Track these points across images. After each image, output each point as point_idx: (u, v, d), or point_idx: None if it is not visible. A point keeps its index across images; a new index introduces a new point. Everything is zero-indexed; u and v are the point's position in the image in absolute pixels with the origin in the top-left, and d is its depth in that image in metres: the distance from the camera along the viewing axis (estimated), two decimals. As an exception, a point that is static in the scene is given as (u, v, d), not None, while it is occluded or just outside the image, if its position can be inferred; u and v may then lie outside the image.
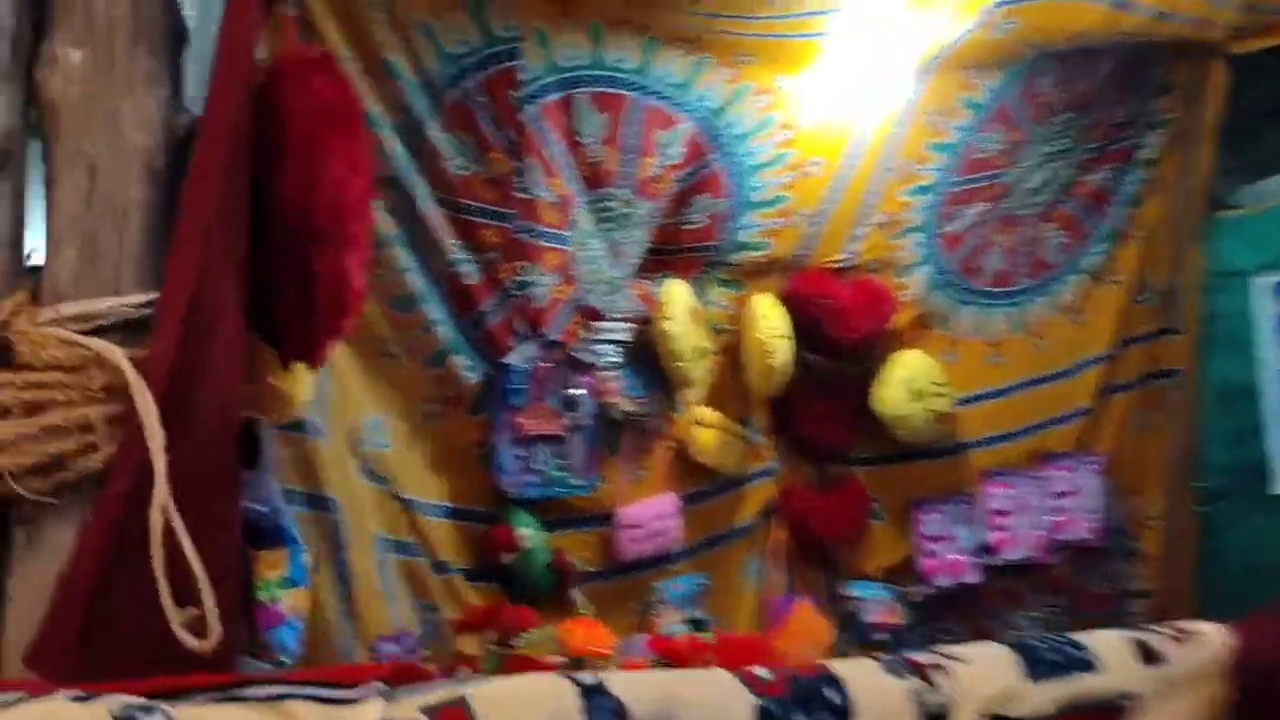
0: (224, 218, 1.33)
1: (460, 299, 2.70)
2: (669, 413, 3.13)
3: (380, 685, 1.01)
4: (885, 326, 3.38)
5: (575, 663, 1.75)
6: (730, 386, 3.24)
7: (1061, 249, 3.72)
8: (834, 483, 3.50)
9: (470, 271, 2.70)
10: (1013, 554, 3.61)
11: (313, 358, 1.64)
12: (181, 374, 1.21)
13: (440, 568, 2.59)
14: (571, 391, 2.87)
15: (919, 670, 1.43)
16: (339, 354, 2.46)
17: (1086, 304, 3.75)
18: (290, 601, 1.34)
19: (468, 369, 2.71)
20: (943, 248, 3.54)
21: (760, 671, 1.29)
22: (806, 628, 3.27)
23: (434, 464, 2.69)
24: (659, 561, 3.06)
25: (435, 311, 2.65)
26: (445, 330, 2.67)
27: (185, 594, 1.12)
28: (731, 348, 3.27)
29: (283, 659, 1.32)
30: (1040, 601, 3.71)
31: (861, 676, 1.42)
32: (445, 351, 2.67)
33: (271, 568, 1.32)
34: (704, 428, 3.11)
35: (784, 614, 3.28)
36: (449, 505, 2.70)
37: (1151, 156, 3.76)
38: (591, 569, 2.93)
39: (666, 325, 2.97)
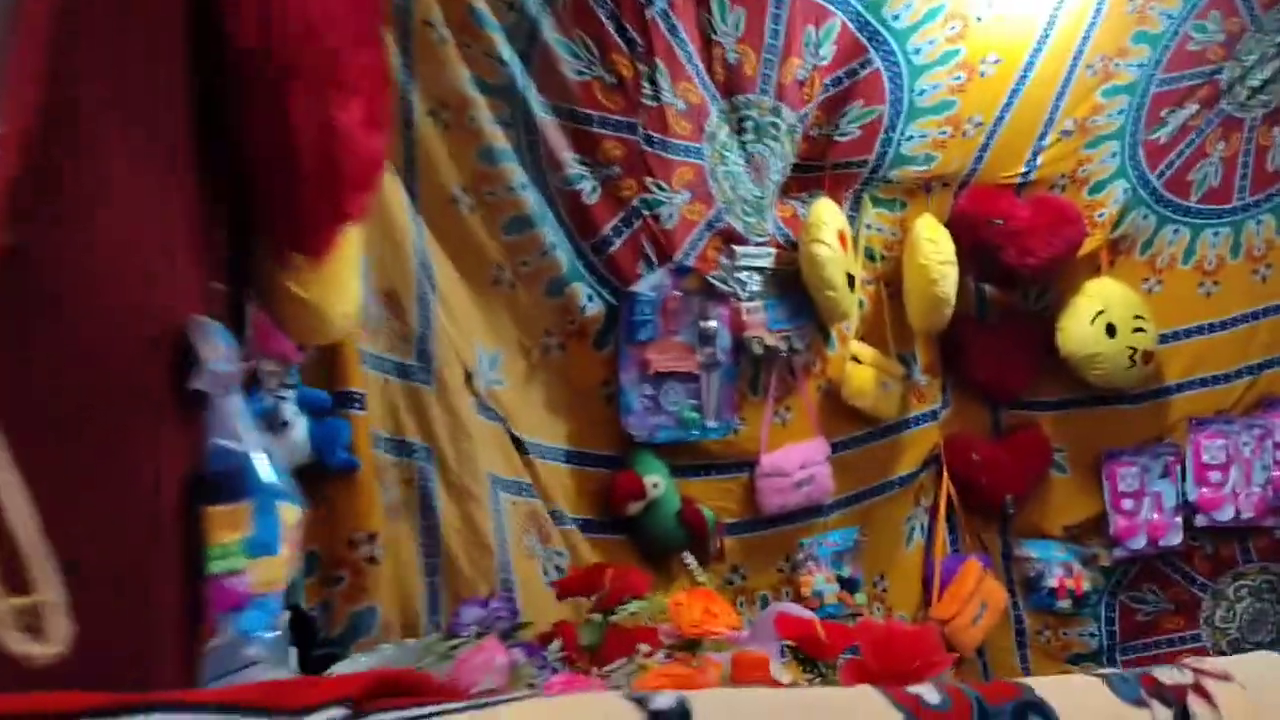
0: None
1: (580, 220, 2.43)
2: (818, 348, 2.80)
3: (339, 712, 0.68)
4: (1073, 252, 2.92)
5: (685, 644, 1.47)
6: (889, 320, 2.88)
7: (1291, 158, 3.15)
8: (1010, 429, 3.09)
9: (591, 189, 2.42)
10: (1223, 515, 3.11)
11: (309, 245, 1.28)
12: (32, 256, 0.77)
13: (558, 517, 2.36)
14: (707, 324, 2.56)
15: (1166, 695, 0.91)
16: (446, 281, 2.25)
17: (1322, 222, 3.17)
18: (261, 574, 1.06)
19: (589, 299, 2.44)
20: (1145, 158, 3.04)
21: (926, 694, 0.84)
22: (976, 591, 2.92)
23: (553, 403, 2.44)
24: (807, 514, 2.75)
25: (553, 235, 2.39)
26: (564, 255, 2.41)
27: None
28: (891, 276, 2.90)
29: (251, 652, 1.05)
30: (1257, 569, 3.20)
31: (1079, 702, 0.92)
32: (564, 279, 2.41)
33: (227, 528, 1.04)
34: (859, 365, 2.76)
35: (950, 575, 2.93)
36: (569, 449, 2.45)
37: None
38: (729, 521, 2.64)
39: (816, 250, 2.62)
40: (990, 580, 2.97)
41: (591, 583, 1.74)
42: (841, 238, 2.68)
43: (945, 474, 3.00)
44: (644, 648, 1.44)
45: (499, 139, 2.31)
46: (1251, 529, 3.18)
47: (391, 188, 2.06)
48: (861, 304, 2.85)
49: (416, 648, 1.60)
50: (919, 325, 2.82)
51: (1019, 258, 2.83)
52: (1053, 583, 3.07)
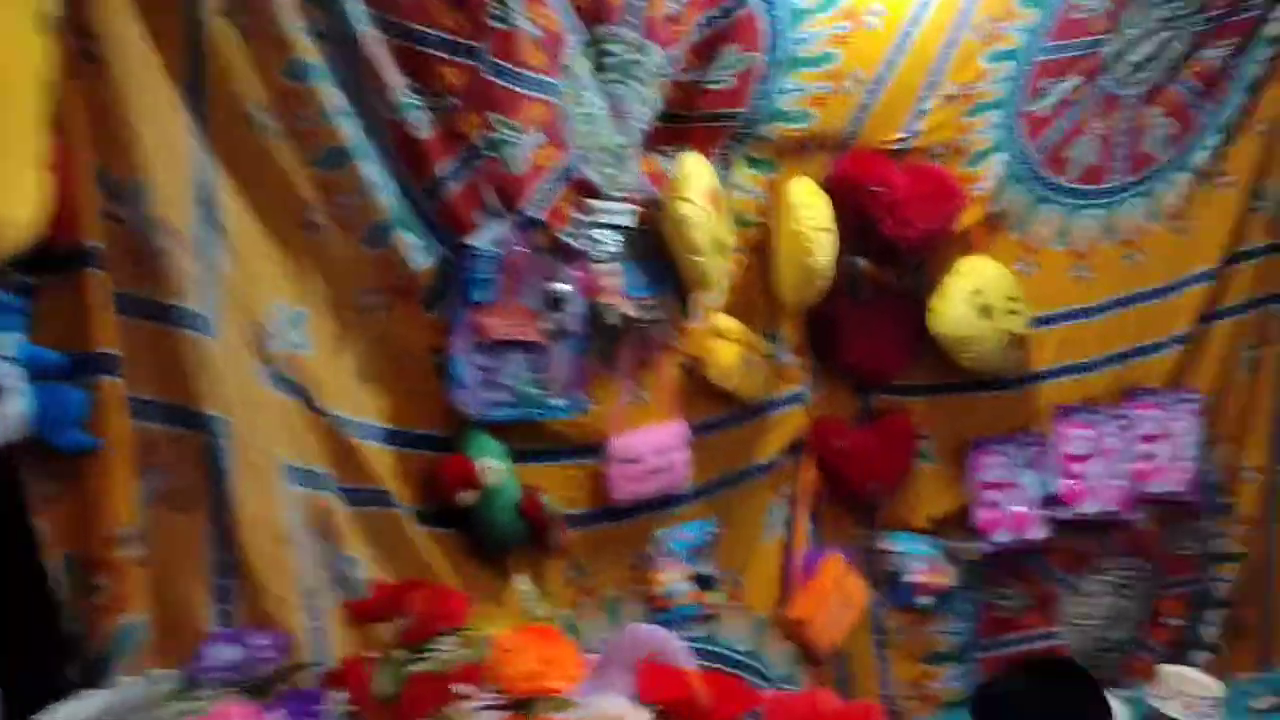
0: None
1: (410, 157, 2.05)
2: (680, 320, 2.51)
3: None
4: (950, 226, 2.73)
5: (515, 703, 1.13)
6: (757, 292, 2.62)
7: (1167, 141, 3.06)
8: (878, 415, 2.89)
9: (423, 121, 2.05)
10: (1088, 507, 3.01)
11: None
12: None
13: (383, 500, 1.99)
14: (555, 286, 2.23)
15: None
16: (238, 220, 1.85)
17: (1192, 209, 3.10)
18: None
19: (418, 250, 2.07)
20: (1025, 131, 2.88)
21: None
22: (837, 587, 2.71)
23: (370, 373, 2.06)
24: (661, 504, 2.46)
25: (375, 172, 2.01)
26: (388, 198, 2.03)
27: None
28: (761, 244, 2.63)
29: None
30: (1116, 564, 3.11)
31: None
32: (388, 226, 2.04)
33: None
34: (723, 341, 2.48)
35: (811, 570, 2.71)
36: (388, 427, 2.08)
37: (1277, 33, 3.07)
38: (575, 512, 2.33)
39: (682, 209, 2.33)
40: (852, 576, 2.76)
41: (393, 606, 1.37)
42: (711, 198, 2.39)
43: (809, 462, 2.77)
44: (464, 703, 1.10)
45: (311, 53, 1.91)
46: (1113, 523, 3.08)
47: (162, 93, 1.65)
48: (729, 274, 2.58)
49: (139, 697, 1.21)
50: (790, 298, 2.56)
51: (897, 229, 2.62)
52: (915, 578, 2.89)
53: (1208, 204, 3.10)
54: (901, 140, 2.72)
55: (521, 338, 2.18)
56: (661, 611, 2.44)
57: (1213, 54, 3.03)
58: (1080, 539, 3.07)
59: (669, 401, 2.45)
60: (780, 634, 2.68)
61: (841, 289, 2.81)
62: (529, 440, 2.25)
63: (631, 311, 2.30)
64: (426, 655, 1.23)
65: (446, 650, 1.23)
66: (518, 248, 2.16)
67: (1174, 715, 2.63)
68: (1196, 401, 3.12)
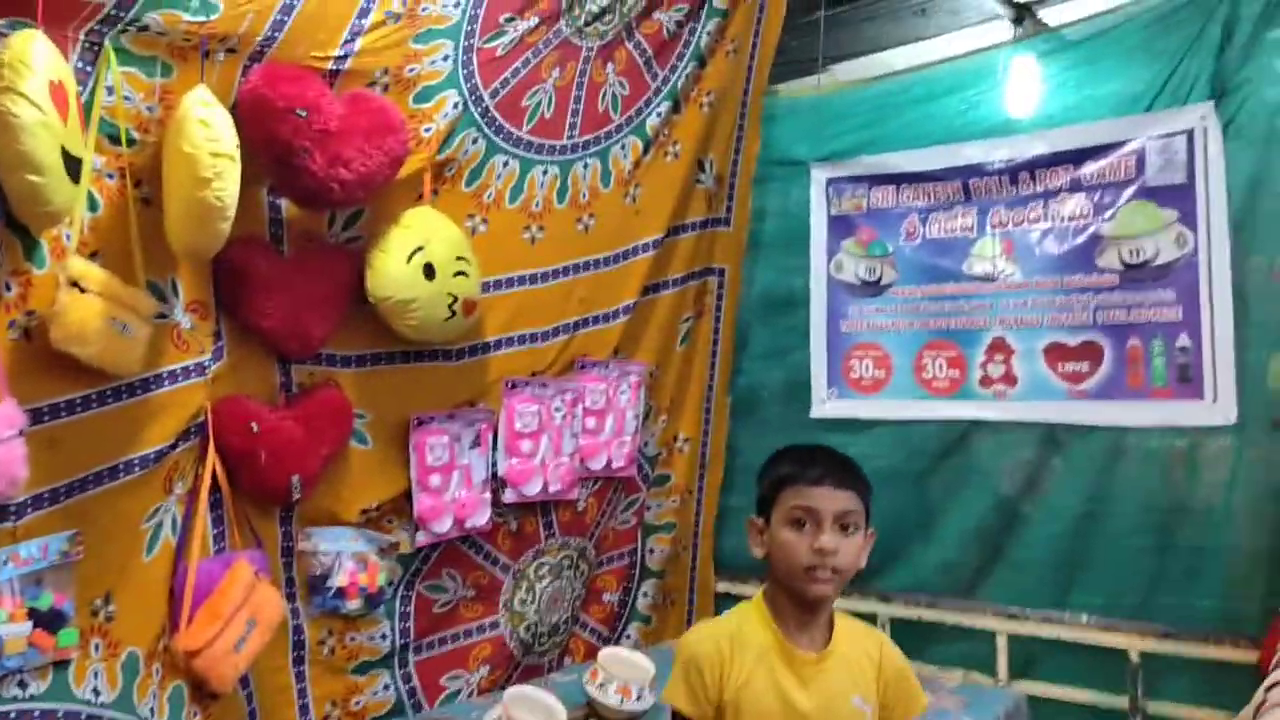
0: None
1: None
2: (16, 263, 1.81)
3: None
4: (394, 169, 2.31)
5: None
6: (138, 232, 1.98)
7: (620, 102, 2.91)
8: (301, 391, 2.40)
9: None
10: (531, 488, 2.81)
11: None
12: None
13: None
14: None
15: None
16: None
17: (642, 176, 3.00)
18: None
19: None
20: (480, 70, 2.54)
21: None
22: (245, 603, 2.19)
23: None
24: (-19, 519, 1.77)
25: None
26: None
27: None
28: (145, 170, 2.00)
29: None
30: (557, 546, 2.95)
31: None
32: None
33: None
34: (81, 295, 1.82)
35: (210, 584, 2.16)
36: None
37: (724, 7, 3.08)
38: None
39: (9, 105, 1.63)
40: (264, 587, 2.26)
41: None
42: (58, 96, 1.71)
43: (212, 449, 2.21)
44: None
45: None
46: (556, 502, 2.92)
47: None
48: (93, 203, 1.92)
49: None
50: (182, 242, 1.96)
51: (328, 167, 2.13)
52: (342, 580, 2.47)
53: (658, 173, 3.04)
54: (337, 59, 2.24)
55: None
56: (-26, 669, 1.76)
57: (664, 18, 2.96)
58: (524, 520, 2.86)
59: (-9, 376, 1.75)
60: (166, 671, 2.10)
61: (261, 237, 2.29)
62: None
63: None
64: None
65: None
66: None
67: (610, 703, 2.52)
68: (640, 374, 3.07)
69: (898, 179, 3.09)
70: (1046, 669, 2.83)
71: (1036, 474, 2.87)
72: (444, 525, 2.62)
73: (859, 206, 3.18)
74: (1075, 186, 2.82)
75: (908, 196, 3.08)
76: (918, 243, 3.07)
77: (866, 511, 1.57)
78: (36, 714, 1.85)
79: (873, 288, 3.15)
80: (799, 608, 1.54)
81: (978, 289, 2.95)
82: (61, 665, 1.90)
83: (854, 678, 1.55)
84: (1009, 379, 2.90)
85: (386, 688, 2.62)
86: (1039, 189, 2.87)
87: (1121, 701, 2.67)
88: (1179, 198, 2.67)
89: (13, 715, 1.82)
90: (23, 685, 1.84)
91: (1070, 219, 2.82)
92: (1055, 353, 2.83)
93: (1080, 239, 2.80)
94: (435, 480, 2.60)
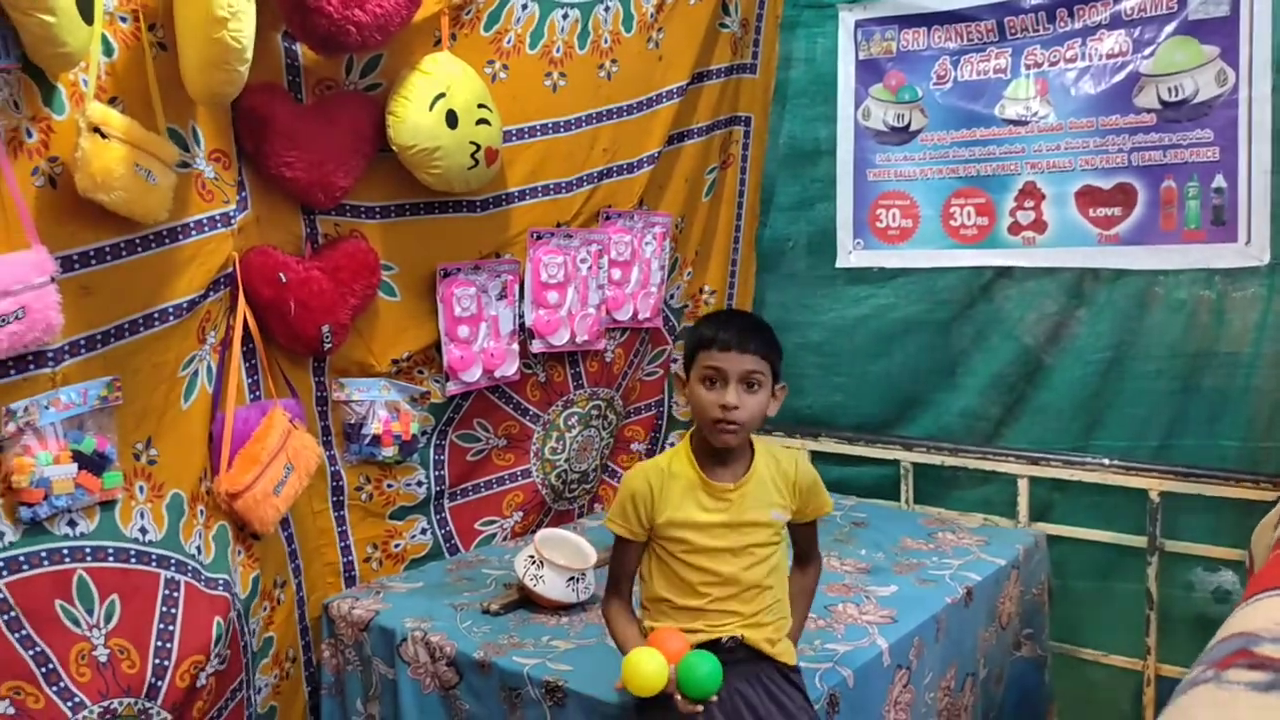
0: None
1: None
2: (35, 109, 1.80)
3: None
4: (410, 11, 2.25)
5: None
6: (155, 76, 1.96)
7: (643, -62, 2.81)
8: (326, 242, 2.41)
9: None
10: (558, 339, 2.83)
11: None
12: None
13: None
14: None
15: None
16: None
17: (666, 20, 2.92)
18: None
19: None
20: (495, -95, 2.45)
21: None
22: (281, 449, 2.25)
23: None
24: (18, 364, 1.80)
25: None
26: None
27: None
28: (159, 13, 1.96)
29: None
30: (585, 396, 2.99)
31: None
32: None
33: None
34: (105, 142, 1.81)
35: (247, 431, 2.22)
36: None
37: None
38: None
39: (17, -58, 1.59)
40: (300, 434, 2.31)
41: None
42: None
43: (242, 299, 2.24)
44: None
45: None
46: (584, 353, 2.95)
47: None
48: (109, 48, 1.90)
49: None
50: (198, 87, 1.94)
51: (343, 8, 2.08)
52: (377, 428, 2.52)
53: (682, 16, 2.95)
54: (347, -106, 2.16)
55: None
56: (29, 506, 1.82)
57: None
58: (552, 371, 2.90)
59: (21, 223, 1.76)
60: (210, 513, 2.18)
61: (279, 84, 2.26)
62: None
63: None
64: None
65: None
66: None
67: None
68: (665, 224, 3.05)
69: (929, 19, 2.99)
70: (1065, 512, 2.88)
71: (1062, 321, 2.86)
72: (473, 375, 2.66)
73: (888, 50, 3.08)
74: (1115, 22, 2.72)
75: (939, 38, 2.98)
76: (948, 86, 2.99)
77: (773, 371, 1.74)
78: (87, 550, 1.93)
79: (901, 134, 3.08)
80: (714, 450, 1.74)
81: (1010, 133, 2.89)
82: (108, 506, 1.97)
83: (770, 496, 1.76)
84: (1038, 225, 2.87)
85: (424, 531, 2.70)
86: (1077, 25, 2.77)
87: (1140, 541, 2.73)
88: (1221, 33, 2.57)
89: (65, 552, 1.90)
90: (72, 524, 1.92)
91: (1108, 56, 2.73)
92: (1087, 197, 2.78)
93: (1118, 77, 2.72)
94: (464, 331, 2.62)
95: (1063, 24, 2.80)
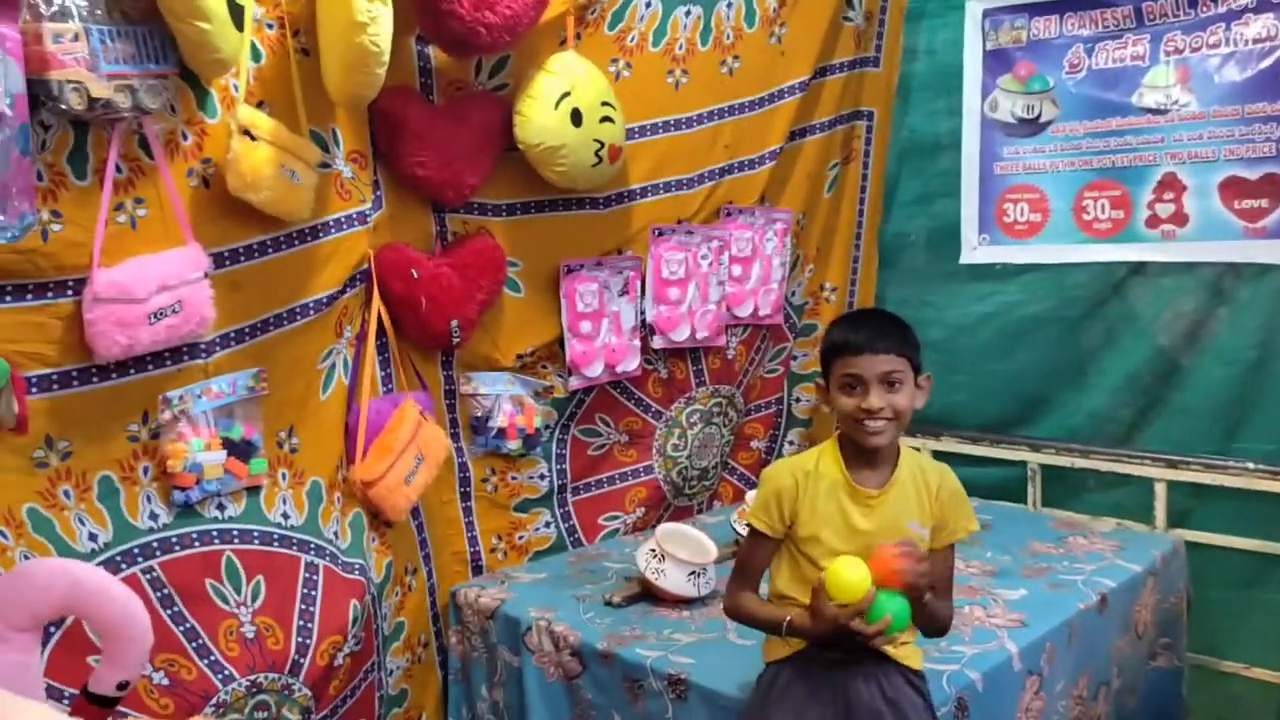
0: None
1: None
2: (191, 113, 1.90)
3: None
4: (537, 13, 2.29)
5: None
6: (299, 81, 2.04)
7: (765, -66, 2.80)
8: (455, 239, 2.47)
9: None
10: (679, 335, 2.84)
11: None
12: None
13: None
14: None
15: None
16: None
17: (789, 14, 2.90)
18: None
19: None
20: (620, -94, 2.48)
21: None
22: (413, 440, 2.32)
23: None
24: (174, 356, 1.90)
25: None
26: None
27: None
28: (302, 19, 2.05)
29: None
30: (707, 394, 3.00)
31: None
32: None
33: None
34: (253, 143, 1.90)
35: (381, 422, 2.30)
36: None
37: None
38: (43, 372, 1.72)
39: (178, -45, 1.68)
40: (430, 426, 2.38)
41: None
42: (221, -57, 1.76)
43: (376, 295, 2.32)
44: None
45: None
46: (705, 350, 2.96)
47: None
48: (256, 53, 1.99)
49: None
50: (339, 90, 2.02)
51: (474, 10, 2.13)
52: (502, 422, 2.58)
53: (804, 10, 2.93)
54: (479, -100, 2.21)
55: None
56: (182, 490, 1.93)
57: None
58: (674, 368, 2.92)
59: (177, 221, 1.86)
60: (346, 500, 2.26)
61: (411, 87, 2.33)
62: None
63: (106, 93, 1.65)
64: None
65: None
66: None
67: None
68: (786, 221, 3.03)
69: (1061, 6, 2.90)
70: (1205, 517, 2.76)
71: (1201, 319, 2.74)
72: (595, 370, 2.69)
73: (1018, 39, 3.00)
74: (1261, 5, 2.59)
75: (1072, 25, 2.89)
76: (1082, 75, 2.89)
77: (913, 364, 1.69)
78: (235, 533, 2.03)
79: (1030, 126, 3.00)
80: (861, 451, 1.69)
81: (1148, 122, 2.78)
82: (254, 491, 2.07)
83: (913, 506, 1.69)
84: (1179, 218, 2.75)
85: (548, 524, 2.75)
86: (1220, 9, 2.65)
87: (1288, 549, 2.60)
88: (1382, 13, 2.43)
89: (214, 534, 2.00)
90: (221, 508, 2.02)
91: (1255, 41, 2.61)
92: (1231, 188, 2.66)
93: (1265, 63, 2.59)
94: (586, 326, 2.66)
95: (1205, 8, 2.68)
